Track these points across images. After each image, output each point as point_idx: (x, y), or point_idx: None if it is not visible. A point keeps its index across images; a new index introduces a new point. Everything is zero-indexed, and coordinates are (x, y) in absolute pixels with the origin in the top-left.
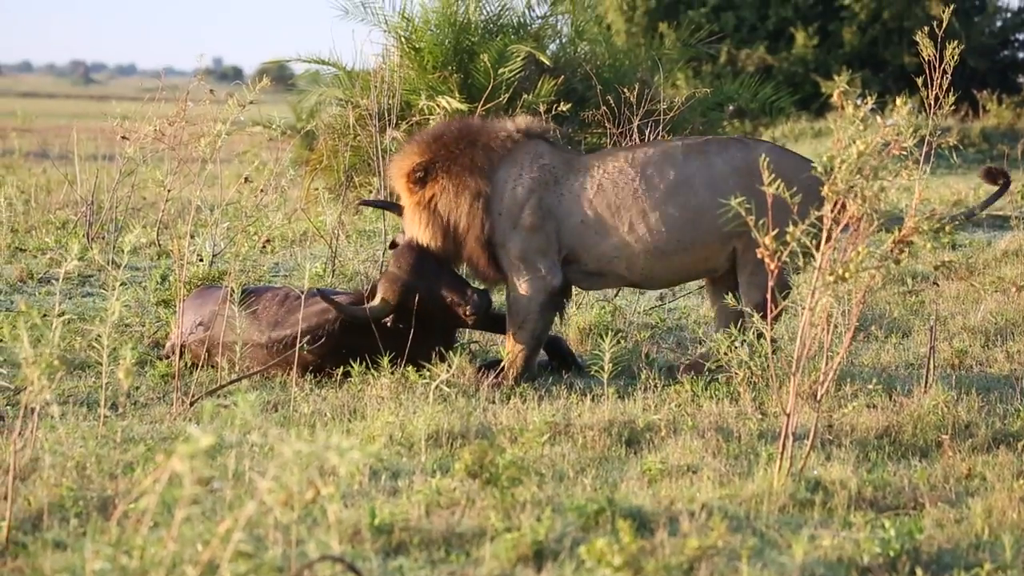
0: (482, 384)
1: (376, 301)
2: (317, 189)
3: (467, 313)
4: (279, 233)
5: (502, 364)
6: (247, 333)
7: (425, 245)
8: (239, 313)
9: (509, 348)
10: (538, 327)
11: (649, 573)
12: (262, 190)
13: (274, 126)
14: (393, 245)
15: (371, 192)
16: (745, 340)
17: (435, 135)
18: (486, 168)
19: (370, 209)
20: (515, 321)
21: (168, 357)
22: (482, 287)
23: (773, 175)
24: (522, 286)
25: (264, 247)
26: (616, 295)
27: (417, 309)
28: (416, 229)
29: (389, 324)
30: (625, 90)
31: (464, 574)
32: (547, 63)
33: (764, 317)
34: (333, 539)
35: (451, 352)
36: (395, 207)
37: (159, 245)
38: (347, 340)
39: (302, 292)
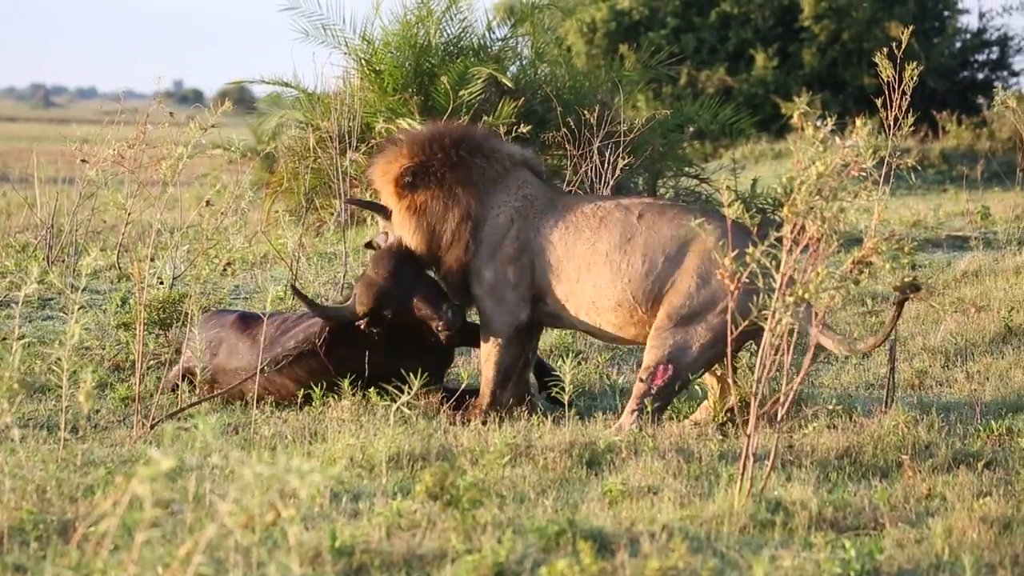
0: (452, 419)
1: (351, 302)
2: (278, 211)
3: (439, 328)
4: (240, 256)
5: (468, 398)
6: (247, 359)
7: (411, 249)
8: (240, 339)
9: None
10: (504, 360)
11: None
12: (222, 213)
13: (234, 148)
14: (369, 245)
15: (332, 215)
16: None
17: (431, 137)
18: (480, 188)
19: (331, 231)
20: (483, 353)
21: (175, 387)
22: (456, 304)
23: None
24: (490, 318)
25: (224, 270)
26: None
27: (393, 319)
28: (403, 233)
29: (377, 337)
30: (585, 112)
31: None
32: (508, 85)
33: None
34: (294, 562)
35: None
36: (381, 208)
37: (119, 268)
38: (337, 354)
39: (293, 313)
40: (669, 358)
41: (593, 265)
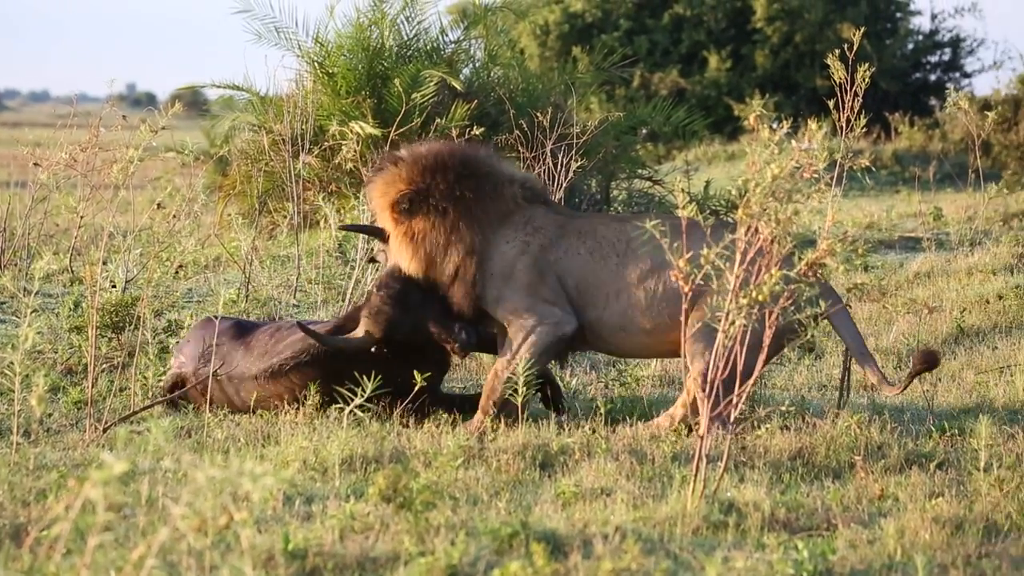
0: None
1: (359, 333)
2: (230, 214)
3: (454, 350)
4: (192, 259)
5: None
6: (240, 367)
7: (410, 275)
8: (233, 347)
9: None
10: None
11: None
12: (175, 216)
13: (187, 152)
14: (372, 260)
15: (285, 218)
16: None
17: (434, 162)
18: (485, 223)
19: (284, 234)
20: (513, 360)
21: (172, 393)
22: (468, 323)
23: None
24: (530, 330)
25: (177, 273)
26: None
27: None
28: (400, 259)
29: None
30: (538, 114)
31: None
32: (460, 88)
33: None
34: (247, 565)
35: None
36: (377, 232)
37: (72, 271)
38: (335, 366)
39: (291, 321)
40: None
41: (623, 291)
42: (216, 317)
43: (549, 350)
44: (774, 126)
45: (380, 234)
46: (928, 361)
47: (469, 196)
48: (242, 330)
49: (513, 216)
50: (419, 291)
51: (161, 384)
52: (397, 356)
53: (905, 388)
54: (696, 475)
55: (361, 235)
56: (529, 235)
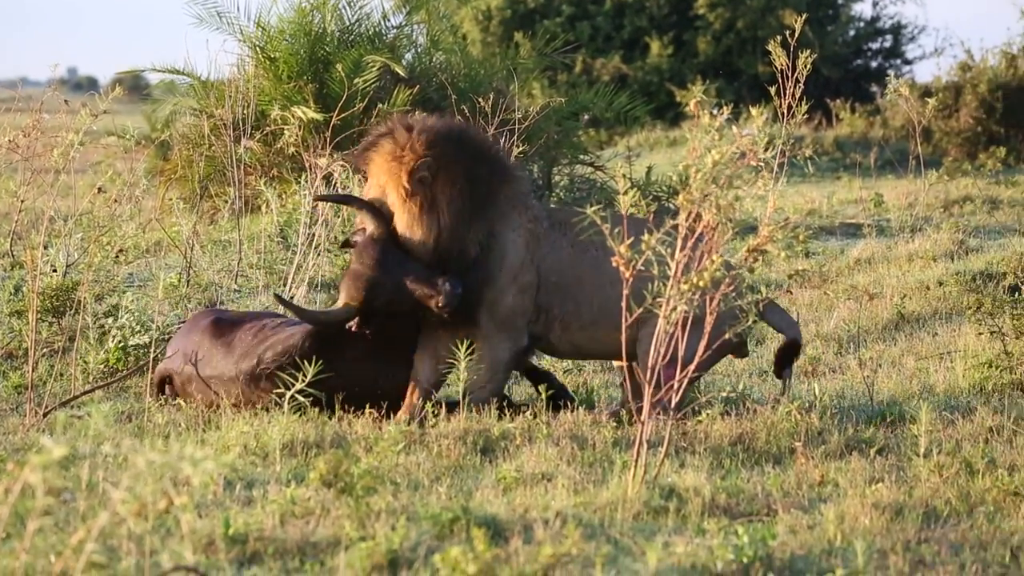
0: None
1: (340, 302)
2: (172, 199)
3: (439, 305)
4: (133, 243)
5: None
6: (220, 367)
7: (410, 245)
8: (213, 345)
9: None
10: (501, 386)
11: None
12: (116, 200)
13: (128, 136)
14: (347, 244)
15: (226, 202)
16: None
17: (448, 134)
18: (500, 208)
19: (225, 218)
20: (482, 379)
21: (155, 387)
22: (453, 276)
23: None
24: (498, 345)
25: (118, 257)
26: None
27: (387, 310)
28: (406, 229)
29: (368, 337)
30: (480, 99)
31: None
32: (403, 74)
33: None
34: (187, 549)
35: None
36: (355, 201)
37: (12, 256)
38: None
39: (278, 318)
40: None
41: (603, 285)
42: (216, 307)
43: (510, 366)
44: (715, 112)
45: (358, 203)
46: (788, 352)
47: (486, 175)
48: (225, 327)
49: (518, 204)
50: (398, 254)
51: (153, 379)
52: (383, 357)
53: (781, 379)
54: (637, 461)
55: (303, 221)
56: (530, 223)
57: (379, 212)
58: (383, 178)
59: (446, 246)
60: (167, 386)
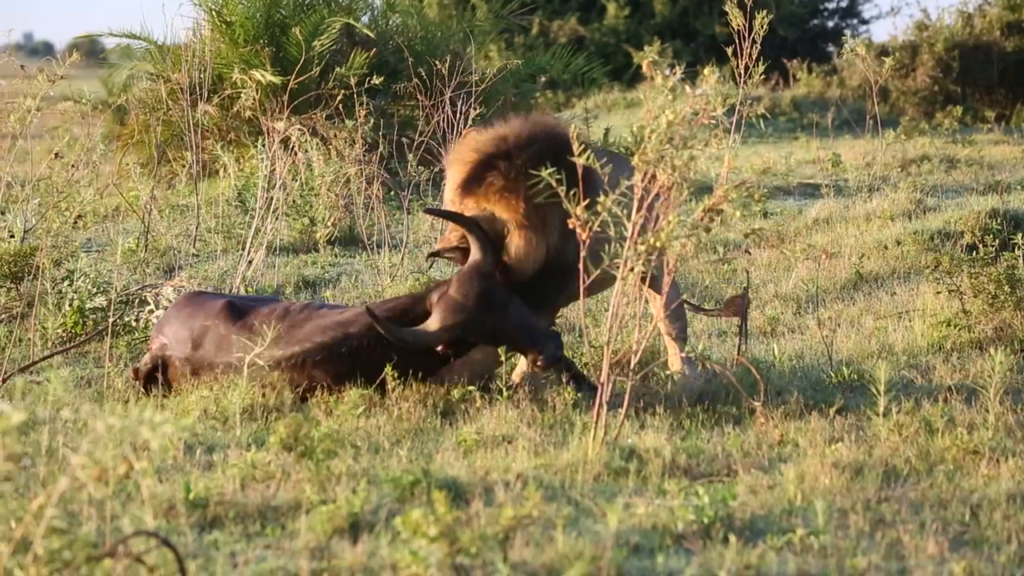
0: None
1: (433, 327)
2: (129, 164)
3: (537, 363)
4: (91, 209)
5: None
6: (245, 353)
7: (514, 267)
8: (233, 331)
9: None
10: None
11: (465, 543)
12: (73, 165)
13: (85, 101)
14: (435, 255)
15: (184, 167)
16: None
17: (541, 152)
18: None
19: (183, 183)
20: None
21: (143, 374)
22: (556, 333)
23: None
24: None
25: (76, 223)
26: (430, 266)
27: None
28: (522, 254)
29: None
30: (437, 62)
31: (280, 547)
32: (366, 33)
33: None
34: (147, 514)
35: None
36: (467, 223)
37: None
38: (372, 357)
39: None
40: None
41: None
42: (195, 292)
43: None
44: (667, 72)
45: (467, 223)
46: (733, 308)
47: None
48: (237, 311)
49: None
50: (503, 292)
51: (140, 366)
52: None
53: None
54: (597, 422)
55: (261, 185)
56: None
57: (489, 240)
58: (497, 210)
59: (552, 262)
60: (157, 373)
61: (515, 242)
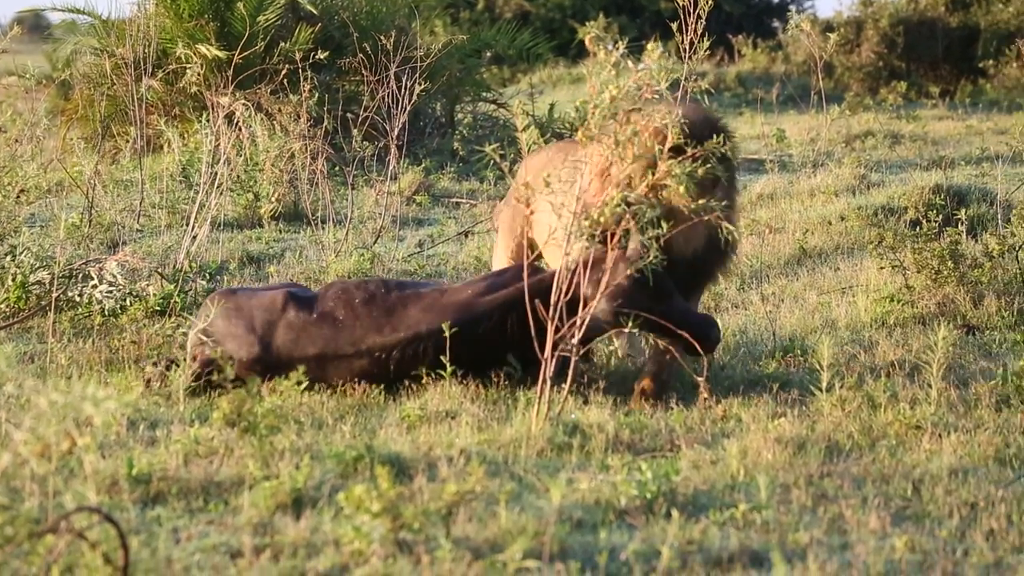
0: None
1: (605, 315)
2: (73, 139)
3: (706, 349)
4: (34, 183)
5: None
6: (330, 344)
7: (679, 255)
8: (305, 320)
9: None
10: None
11: (408, 519)
12: (17, 140)
13: (29, 76)
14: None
15: (128, 142)
16: None
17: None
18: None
19: (127, 158)
20: None
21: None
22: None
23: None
24: None
25: (19, 198)
26: (375, 241)
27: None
28: (690, 239)
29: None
30: (382, 37)
31: (223, 523)
32: (312, 8)
33: None
34: (90, 490)
35: None
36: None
37: None
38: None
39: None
40: None
41: None
42: (231, 288)
43: None
44: (610, 48)
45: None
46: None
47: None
48: (306, 301)
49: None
50: (669, 280)
51: (190, 372)
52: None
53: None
54: (540, 398)
55: (206, 160)
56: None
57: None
58: (673, 199)
59: (706, 248)
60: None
61: (683, 231)
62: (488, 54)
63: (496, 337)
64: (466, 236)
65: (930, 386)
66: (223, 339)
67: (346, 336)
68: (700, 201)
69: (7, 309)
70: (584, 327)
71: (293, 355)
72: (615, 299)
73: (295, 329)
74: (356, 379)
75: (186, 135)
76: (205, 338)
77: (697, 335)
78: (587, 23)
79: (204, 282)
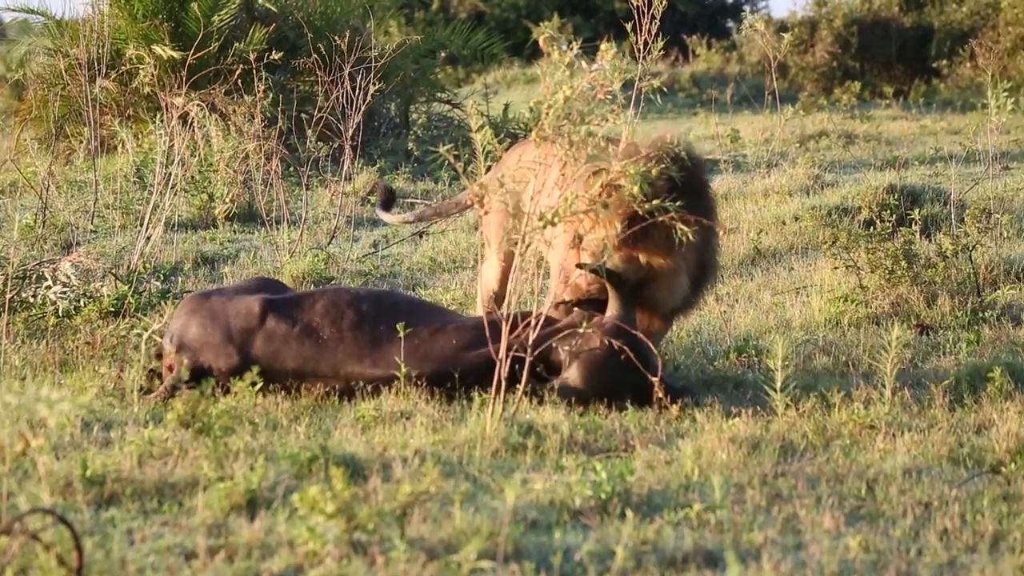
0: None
1: (576, 384)
2: (27, 139)
3: (667, 405)
4: None
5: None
6: (309, 363)
7: (663, 305)
8: (286, 333)
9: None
10: None
11: (362, 519)
12: None
13: None
14: (568, 304)
15: (82, 143)
16: None
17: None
18: None
19: (81, 159)
20: None
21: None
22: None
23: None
24: None
25: None
26: (330, 242)
27: None
28: (673, 291)
29: None
30: (336, 38)
31: (177, 524)
32: (267, 8)
33: None
34: (44, 491)
35: None
36: (616, 280)
37: None
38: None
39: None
40: None
41: None
42: (201, 292)
43: None
44: (564, 48)
45: (620, 283)
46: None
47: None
48: (285, 309)
49: None
50: (647, 346)
51: (167, 383)
52: None
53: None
54: (495, 398)
55: (160, 161)
56: None
57: (631, 301)
58: (654, 262)
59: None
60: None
61: (666, 285)
62: (443, 54)
63: (475, 381)
64: (421, 237)
65: (884, 386)
66: (200, 349)
67: (327, 358)
68: (655, 201)
69: (175, 378)
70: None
71: (272, 366)
72: (591, 370)
73: (275, 340)
74: (332, 395)
75: (140, 136)
76: (179, 348)
77: (670, 398)
78: (541, 23)
79: (158, 283)
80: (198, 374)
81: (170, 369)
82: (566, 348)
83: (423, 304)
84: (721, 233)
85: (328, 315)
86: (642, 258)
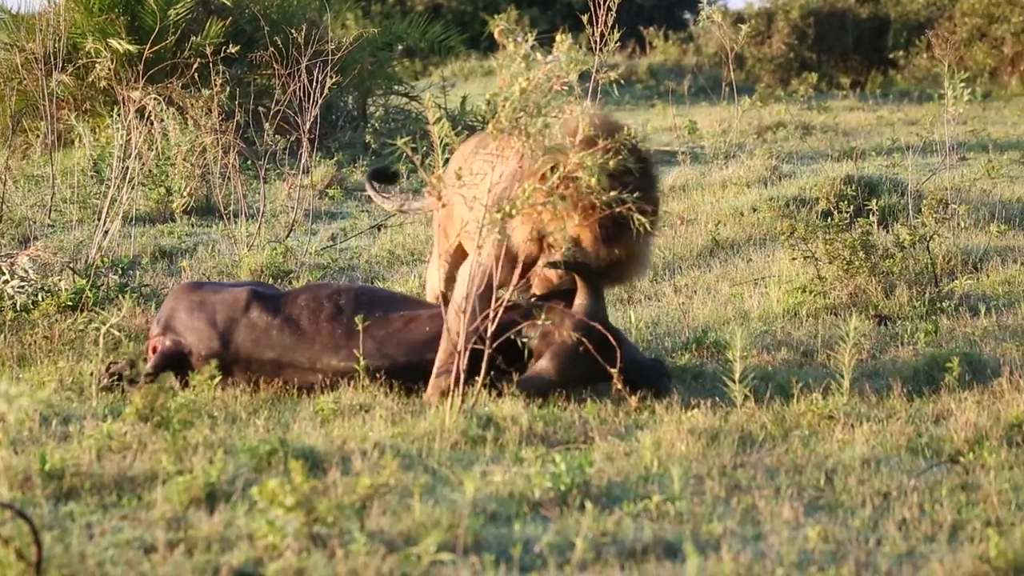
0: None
1: (550, 375)
2: None
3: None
4: None
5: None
6: (287, 353)
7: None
8: (268, 323)
9: None
10: None
11: (322, 512)
12: None
13: None
14: (536, 297)
15: (39, 137)
16: None
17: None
18: None
19: (38, 153)
20: None
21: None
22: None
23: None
24: None
25: None
26: (288, 235)
27: None
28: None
29: None
30: (293, 31)
31: (136, 518)
32: (223, 2)
33: None
34: (3, 486)
35: None
36: (586, 273)
37: None
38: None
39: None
40: None
41: None
42: (193, 282)
43: None
44: (519, 39)
45: (590, 276)
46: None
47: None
48: (272, 303)
49: None
50: (618, 332)
51: (149, 365)
52: None
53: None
54: (454, 390)
55: (117, 155)
56: None
57: (599, 289)
58: (622, 253)
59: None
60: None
61: (636, 261)
62: (400, 47)
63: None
64: (379, 230)
65: (842, 376)
66: (184, 332)
67: (305, 349)
68: (612, 193)
69: (155, 363)
70: (533, 385)
71: (252, 355)
72: (563, 361)
73: (256, 330)
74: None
75: (97, 130)
76: (164, 330)
77: (649, 385)
78: (498, 15)
79: (116, 277)
80: (180, 357)
81: (154, 351)
82: (533, 337)
83: (403, 298)
84: (678, 223)
85: (309, 307)
86: (619, 252)
